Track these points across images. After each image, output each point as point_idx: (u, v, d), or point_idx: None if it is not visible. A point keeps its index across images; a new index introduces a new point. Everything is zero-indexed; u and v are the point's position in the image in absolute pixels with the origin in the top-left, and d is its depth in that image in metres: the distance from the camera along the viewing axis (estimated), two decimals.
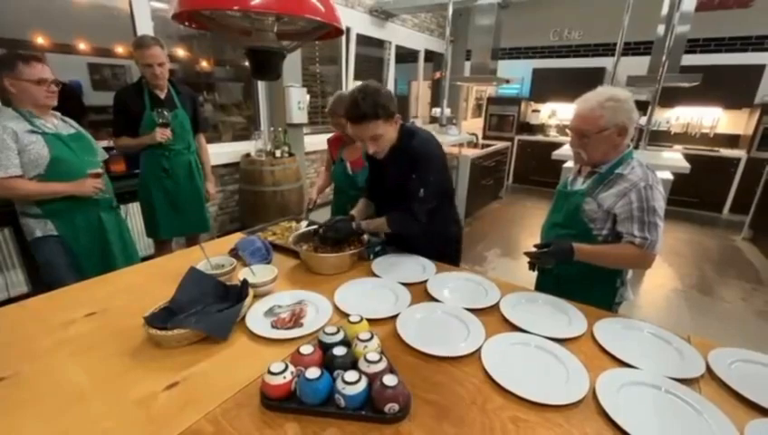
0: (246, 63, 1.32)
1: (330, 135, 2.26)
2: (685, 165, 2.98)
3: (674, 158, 3.34)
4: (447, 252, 1.59)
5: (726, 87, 5.05)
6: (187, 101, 2.31)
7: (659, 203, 1.19)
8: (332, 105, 1.98)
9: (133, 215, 2.81)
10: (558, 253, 1.23)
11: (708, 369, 0.94)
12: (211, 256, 1.34)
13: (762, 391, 0.85)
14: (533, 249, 1.29)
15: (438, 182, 1.45)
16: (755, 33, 5.05)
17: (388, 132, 1.33)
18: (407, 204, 1.40)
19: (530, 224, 4.86)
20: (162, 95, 2.20)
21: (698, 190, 5.28)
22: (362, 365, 0.82)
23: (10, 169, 1.49)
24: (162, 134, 2.13)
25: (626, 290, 1.34)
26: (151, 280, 1.33)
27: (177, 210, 2.36)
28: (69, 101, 1.76)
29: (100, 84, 2.90)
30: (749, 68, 4.98)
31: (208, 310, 1.05)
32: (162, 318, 0.99)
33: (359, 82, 5.75)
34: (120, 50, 2.88)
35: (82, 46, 2.75)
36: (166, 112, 2.14)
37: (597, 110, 1.20)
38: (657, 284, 3.29)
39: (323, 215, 2.25)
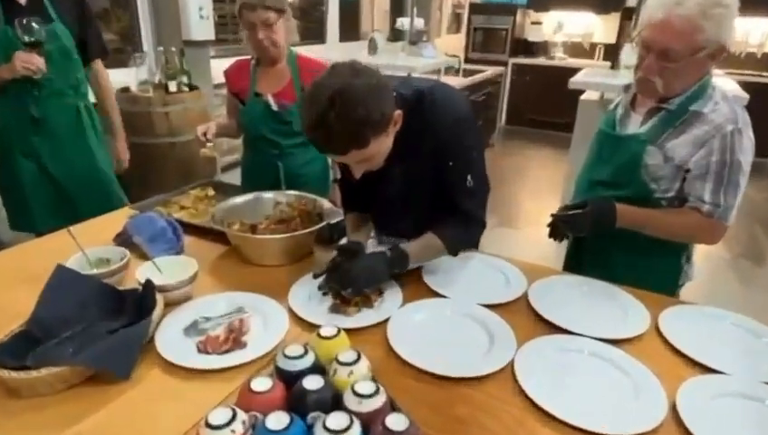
0: None
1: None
2: (744, 95, 3.13)
3: (728, 88, 3.50)
4: None
5: None
6: (68, 10, 2.02)
7: (747, 156, 1.17)
8: None
9: None
10: (597, 214, 1.19)
11: None
12: (88, 245, 1.23)
13: None
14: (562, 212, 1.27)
15: (482, 152, 1.30)
16: None
17: (384, 144, 1.11)
18: (451, 204, 1.24)
19: (533, 180, 4.97)
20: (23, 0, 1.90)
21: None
22: (350, 402, 0.76)
23: None
24: (27, 63, 1.84)
25: (691, 268, 1.37)
26: None
27: (60, 187, 2.14)
28: None
29: None
30: None
31: (94, 331, 0.96)
32: (17, 351, 0.87)
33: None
34: None
35: None
36: (35, 25, 1.83)
37: (698, 19, 1.08)
38: (698, 252, 3.49)
39: (232, 177, 2.09)
